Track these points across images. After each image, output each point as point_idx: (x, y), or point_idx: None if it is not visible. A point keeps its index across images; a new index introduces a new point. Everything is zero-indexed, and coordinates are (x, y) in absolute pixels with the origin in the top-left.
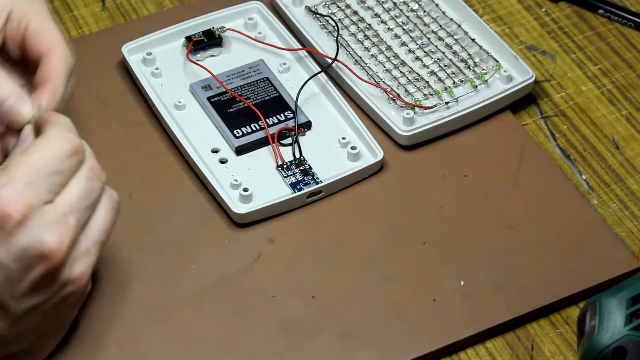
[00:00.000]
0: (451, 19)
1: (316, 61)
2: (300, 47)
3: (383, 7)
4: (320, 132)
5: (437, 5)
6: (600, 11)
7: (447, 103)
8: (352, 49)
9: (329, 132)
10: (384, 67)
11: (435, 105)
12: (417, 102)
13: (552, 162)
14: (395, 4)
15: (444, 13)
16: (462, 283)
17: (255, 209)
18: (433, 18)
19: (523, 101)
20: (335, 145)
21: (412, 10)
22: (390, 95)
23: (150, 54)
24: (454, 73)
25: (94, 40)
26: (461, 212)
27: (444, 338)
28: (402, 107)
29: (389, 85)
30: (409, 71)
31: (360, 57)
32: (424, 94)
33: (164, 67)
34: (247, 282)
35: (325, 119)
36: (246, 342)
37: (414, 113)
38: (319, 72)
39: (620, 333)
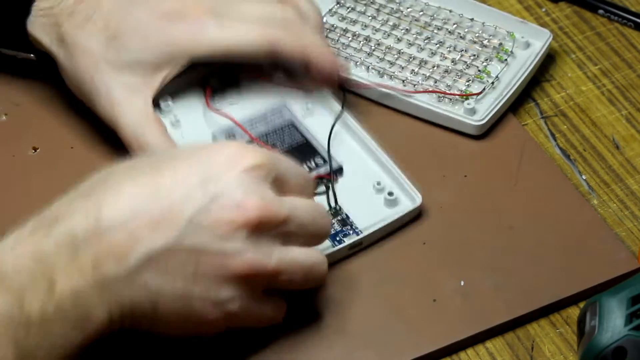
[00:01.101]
0: (438, 7)
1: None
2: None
3: (367, 16)
4: (352, 177)
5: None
6: (600, 11)
7: (492, 83)
8: (370, 63)
9: (362, 177)
10: (412, 70)
11: (484, 89)
12: (466, 92)
13: (552, 162)
14: (377, 9)
15: (426, 4)
16: (462, 283)
17: None
18: (419, 11)
19: (523, 101)
20: (370, 191)
21: (397, 11)
22: (438, 94)
23: (167, 103)
24: (475, 55)
25: None
26: (461, 212)
27: (444, 338)
28: (454, 100)
29: (429, 85)
30: (435, 67)
31: (383, 67)
32: (466, 82)
33: (183, 116)
34: None
35: (356, 163)
36: (247, 342)
37: (473, 102)
38: (341, 113)
39: (620, 333)
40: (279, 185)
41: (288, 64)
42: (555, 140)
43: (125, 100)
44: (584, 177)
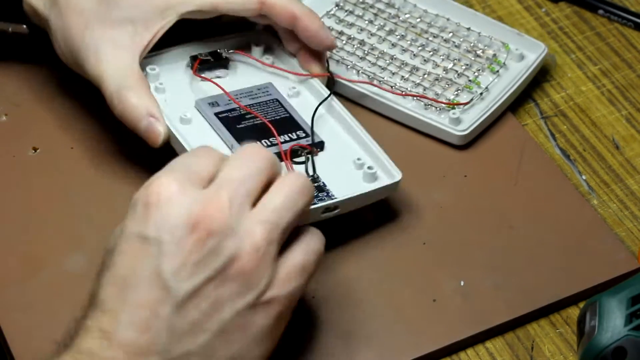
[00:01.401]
0: (436, 14)
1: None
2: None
3: (364, 20)
4: (333, 154)
5: (415, 5)
6: (600, 11)
7: (481, 94)
8: (361, 67)
9: (343, 154)
10: (402, 77)
11: (472, 100)
12: (454, 101)
13: (552, 162)
14: (375, 14)
15: (425, 11)
16: (462, 283)
17: None
18: (417, 18)
19: (523, 101)
20: (350, 166)
21: (394, 16)
22: (426, 100)
23: (154, 69)
24: (468, 64)
25: None
26: (461, 212)
27: (444, 338)
28: (440, 109)
29: (417, 93)
30: (426, 74)
31: (373, 72)
32: (455, 92)
33: (168, 83)
34: None
35: (338, 141)
36: None
37: (459, 112)
38: (329, 95)
39: (620, 333)
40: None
41: (276, 23)
42: (555, 140)
43: (112, 55)
44: (584, 177)
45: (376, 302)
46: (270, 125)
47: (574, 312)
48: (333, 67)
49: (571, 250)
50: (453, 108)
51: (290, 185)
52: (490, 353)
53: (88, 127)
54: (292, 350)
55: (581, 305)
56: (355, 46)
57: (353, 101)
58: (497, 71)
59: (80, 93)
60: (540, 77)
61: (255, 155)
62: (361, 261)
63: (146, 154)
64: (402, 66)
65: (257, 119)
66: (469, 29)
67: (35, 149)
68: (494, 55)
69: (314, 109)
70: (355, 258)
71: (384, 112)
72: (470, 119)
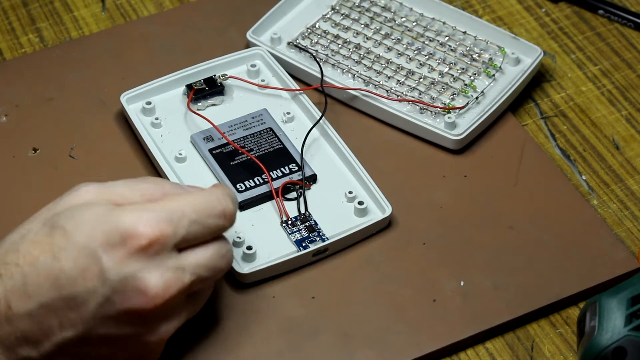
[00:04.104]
0: (432, 18)
1: (321, 106)
2: (303, 90)
3: (360, 24)
4: (325, 186)
5: (411, 9)
6: (600, 11)
7: (477, 98)
8: (357, 71)
9: (335, 186)
10: (398, 80)
11: (467, 104)
12: (449, 105)
13: (552, 163)
14: (371, 18)
15: (421, 15)
16: (462, 283)
17: (259, 269)
18: (412, 22)
19: (523, 101)
20: (341, 199)
21: (390, 20)
22: (421, 105)
23: (149, 103)
24: (464, 68)
25: (94, 41)
26: (461, 212)
27: (444, 338)
28: (436, 113)
29: (413, 97)
30: (421, 78)
31: (368, 76)
32: (450, 96)
33: (164, 117)
34: (247, 282)
35: (331, 171)
36: (246, 342)
37: (455, 116)
38: (320, 118)
39: (620, 333)
40: (184, 241)
41: None
42: (555, 140)
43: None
44: (583, 177)
45: (376, 302)
46: (261, 165)
47: (574, 312)
48: (328, 71)
49: (571, 250)
50: (449, 112)
51: (219, 251)
52: (490, 353)
53: (88, 127)
54: (293, 350)
55: (581, 305)
56: (351, 50)
57: (348, 105)
58: (493, 75)
59: (80, 93)
60: (540, 77)
61: (223, 269)
62: (361, 261)
63: (146, 155)
64: (397, 70)
65: (251, 153)
66: (465, 32)
67: (35, 150)
68: (490, 59)
69: (309, 134)
70: (355, 258)
71: (379, 116)
72: (465, 123)
